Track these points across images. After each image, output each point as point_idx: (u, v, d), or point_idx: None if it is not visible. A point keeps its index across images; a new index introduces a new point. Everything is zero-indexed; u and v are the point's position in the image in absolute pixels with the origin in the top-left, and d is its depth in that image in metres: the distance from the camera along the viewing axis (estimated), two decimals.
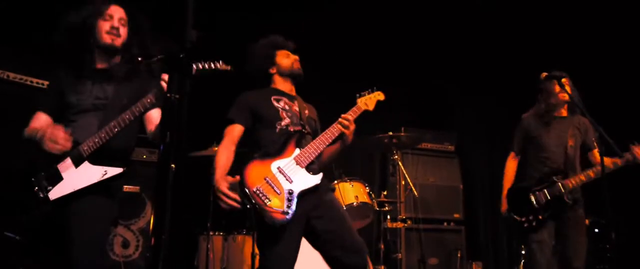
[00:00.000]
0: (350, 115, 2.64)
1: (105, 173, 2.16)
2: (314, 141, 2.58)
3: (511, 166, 3.48)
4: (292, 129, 2.63)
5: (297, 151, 2.55)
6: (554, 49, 5.01)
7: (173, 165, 1.27)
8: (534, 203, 3.21)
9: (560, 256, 3.21)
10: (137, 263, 3.99)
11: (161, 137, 1.20)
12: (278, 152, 2.53)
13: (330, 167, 4.51)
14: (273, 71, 2.78)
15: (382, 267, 4.23)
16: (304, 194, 2.45)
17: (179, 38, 1.25)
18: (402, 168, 4.54)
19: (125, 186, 4.10)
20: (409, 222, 4.71)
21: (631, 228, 4.09)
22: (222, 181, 2.40)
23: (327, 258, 2.51)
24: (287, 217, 2.36)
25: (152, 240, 1.20)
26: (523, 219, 3.22)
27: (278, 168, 2.47)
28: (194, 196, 4.20)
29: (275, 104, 2.67)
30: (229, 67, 2.25)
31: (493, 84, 5.50)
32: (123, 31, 2.36)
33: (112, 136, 2.17)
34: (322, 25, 4.86)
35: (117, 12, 2.37)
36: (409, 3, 4.96)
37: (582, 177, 3.15)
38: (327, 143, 2.58)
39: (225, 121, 2.64)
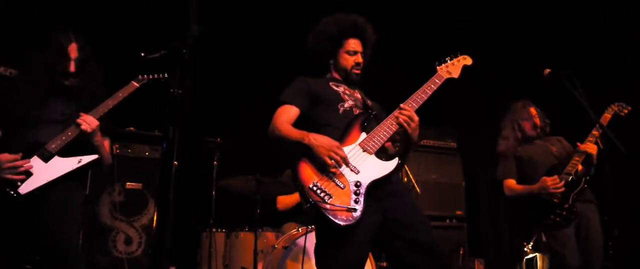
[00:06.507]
0: (412, 103, 2.24)
1: (81, 161, 2.33)
2: (382, 123, 2.21)
3: (511, 183, 3.46)
4: (357, 112, 2.30)
5: (363, 135, 2.18)
6: (556, 43, 4.99)
7: (176, 162, 1.27)
8: (551, 198, 3.18)
9: (584, 257, 3.20)
10: (140, 259, 4.00)
11: (163, 133, 1.20)
12: (339, 139, 2.16)
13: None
14: (332, 61, 2.47)
15: (385, 263, 4.22)
16: (374, 186, 2.06)
17: (181, 33, 1.24)
18: (405, 165, 4.53)
19: (128, 183, 4.11)
20: None
21: (633, 224, 4.07)
22: (313, 134, 2.11)
23: (404, 266, 2.12)
24: (355, 215, 1.94)
25: (156, 237, 1.20)
26: (551, 218, 3.18)
27: None
28: (196, 192, 4.20)
29: (335, 88, 2.37)
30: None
31: (496, 80, 5.47)
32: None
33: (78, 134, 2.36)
34: None
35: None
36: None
37: (577, 157, 3.17)
38: (394, 130, 2.19)
39: (277, 104, 2.33)
